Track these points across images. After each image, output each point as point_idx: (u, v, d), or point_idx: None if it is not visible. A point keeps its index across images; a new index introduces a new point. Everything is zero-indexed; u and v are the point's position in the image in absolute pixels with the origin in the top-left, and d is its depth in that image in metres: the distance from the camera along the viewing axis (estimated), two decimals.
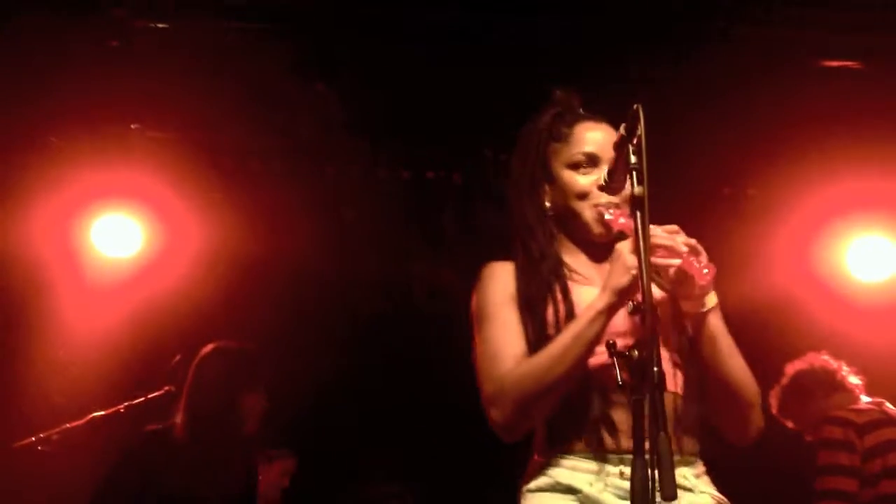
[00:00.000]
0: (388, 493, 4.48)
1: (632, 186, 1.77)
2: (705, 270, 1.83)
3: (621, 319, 1.92)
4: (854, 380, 3.74)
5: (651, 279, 1.83)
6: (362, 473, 4.79)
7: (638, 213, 1.75)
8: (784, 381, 3.82)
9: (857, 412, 3.55)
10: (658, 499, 1.60)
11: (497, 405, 1.94)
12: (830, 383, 3.72)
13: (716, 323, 1.95)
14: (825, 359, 3.79)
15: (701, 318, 1.94)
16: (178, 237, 4.63)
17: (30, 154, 4.29)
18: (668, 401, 1.76)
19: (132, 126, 4.39)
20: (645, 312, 1.68)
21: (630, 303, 1.75)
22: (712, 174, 4.62)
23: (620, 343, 1.80)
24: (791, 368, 3.83)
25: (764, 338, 4.10)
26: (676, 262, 1.85)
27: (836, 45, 3.96)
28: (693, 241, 1.88)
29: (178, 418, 3.46)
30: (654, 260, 1.81)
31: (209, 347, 3.58)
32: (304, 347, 4.38)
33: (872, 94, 4.03)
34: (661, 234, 1.87)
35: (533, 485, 1.98)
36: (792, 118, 4.13)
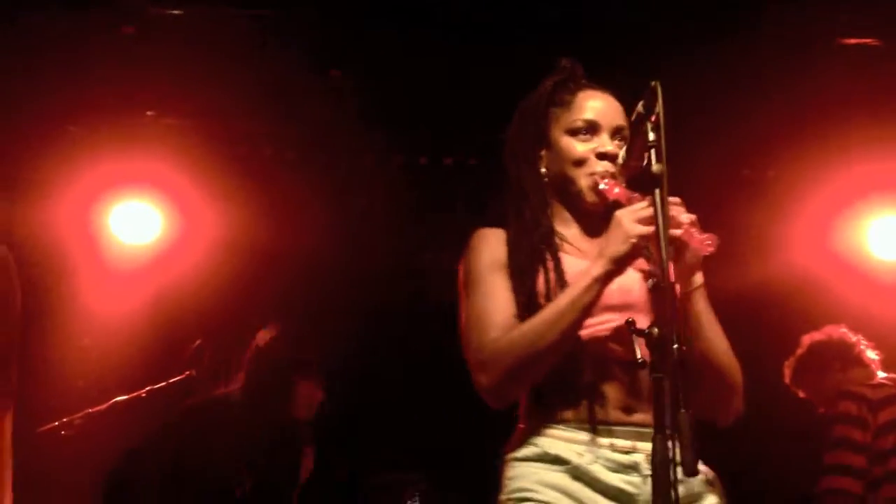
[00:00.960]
0: (404, 481, 4.49)
1: (649, 164, 1.76)
2: (707, 242, 1.80)
3: (638, 294, 1.91)
4: (871, 355, 3.72)
5: (642, 252, 1.83)
6: (378, 461, 4.80)
7: (657, 191, 1.74)
8: (800, 351, 3.79)
9: (872, 388, 3.53)
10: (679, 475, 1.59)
11: (486, 370, 1.90)
12: (848, 357, 3.70)
13: (701, 302, 1.92)
14: (844, 332, 3.77)
15: (687, 297, 1.90)
16: (195, 224, 4.66)
17: (48, 143, 4.31)
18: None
19: (148, 113, 4.40)
20: (665, 289, 1.67)
21: (651, 279, 1.74)
22: (732, 156, 4.58)
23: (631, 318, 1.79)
24: (808, 339, 3.80)
25: (785, 316, 4.08)
26: (678, 231, 1.81)
27: (855, 23, 3.91)
28: (693, 217, 1.85)
29: (236, 389, 3.61)
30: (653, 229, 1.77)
31: (270, 332, 3.69)
32: (317, 334, 4.40)
33: (892, 71, 3.99)
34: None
35: (519, 453, 1.94)
36: (811, 99, 4.10)
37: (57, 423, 3.67)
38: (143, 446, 3.59)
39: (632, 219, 1.83)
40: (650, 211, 1.77)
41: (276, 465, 3.62)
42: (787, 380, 3.81)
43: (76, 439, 3.66)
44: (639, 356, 1.73)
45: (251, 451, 3.53)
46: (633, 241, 1.82)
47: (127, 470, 3.60)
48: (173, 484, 3.48)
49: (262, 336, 3.69)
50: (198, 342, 3.80)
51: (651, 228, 1.78)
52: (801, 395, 3.81)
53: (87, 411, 3.72)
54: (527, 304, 1.94)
